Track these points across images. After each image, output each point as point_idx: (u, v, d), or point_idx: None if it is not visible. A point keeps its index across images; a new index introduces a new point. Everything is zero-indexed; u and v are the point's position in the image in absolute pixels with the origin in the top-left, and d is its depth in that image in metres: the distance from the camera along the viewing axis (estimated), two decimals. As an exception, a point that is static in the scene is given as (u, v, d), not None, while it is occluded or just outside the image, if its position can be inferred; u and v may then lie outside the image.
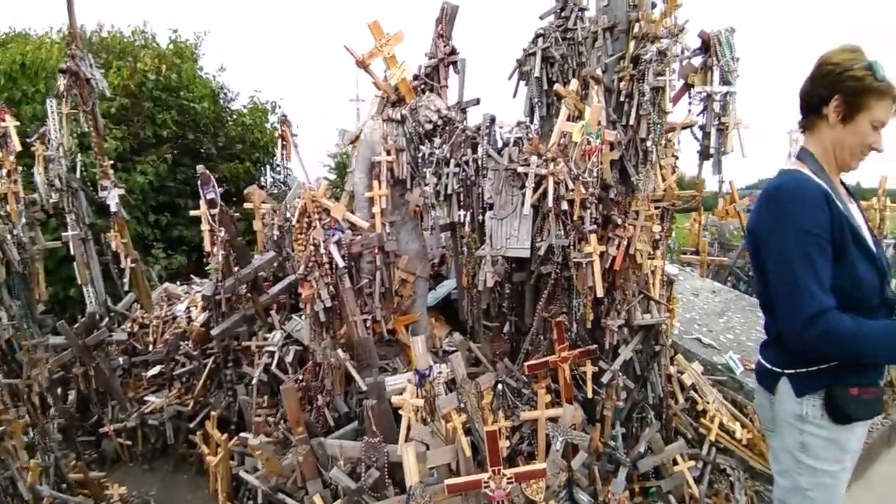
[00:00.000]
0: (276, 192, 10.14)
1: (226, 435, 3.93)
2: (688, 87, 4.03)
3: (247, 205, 5.29)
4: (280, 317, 4.71)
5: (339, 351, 3.68)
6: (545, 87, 4.61)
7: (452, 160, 4.00)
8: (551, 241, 3.19)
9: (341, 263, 3.54)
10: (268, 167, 11.90)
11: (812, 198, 1.92)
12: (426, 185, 4.03)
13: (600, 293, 3.21)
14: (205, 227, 4.26)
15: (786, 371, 2.03)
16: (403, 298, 4.26)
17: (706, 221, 9.33)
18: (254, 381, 4.20)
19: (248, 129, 11.42)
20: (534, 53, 4.70)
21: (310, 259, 3.55)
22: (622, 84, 3.70)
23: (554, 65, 4.67)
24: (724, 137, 3.81)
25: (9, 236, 4.87)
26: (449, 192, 3.93)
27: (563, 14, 4.68)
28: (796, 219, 1.90)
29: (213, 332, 4.40)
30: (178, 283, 6.81)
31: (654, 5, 3.78)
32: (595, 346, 3.41)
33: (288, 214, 4.91)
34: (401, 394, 3.10)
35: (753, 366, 3.19)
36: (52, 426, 4.02)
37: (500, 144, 3.81)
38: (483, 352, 3.98)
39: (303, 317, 4.28)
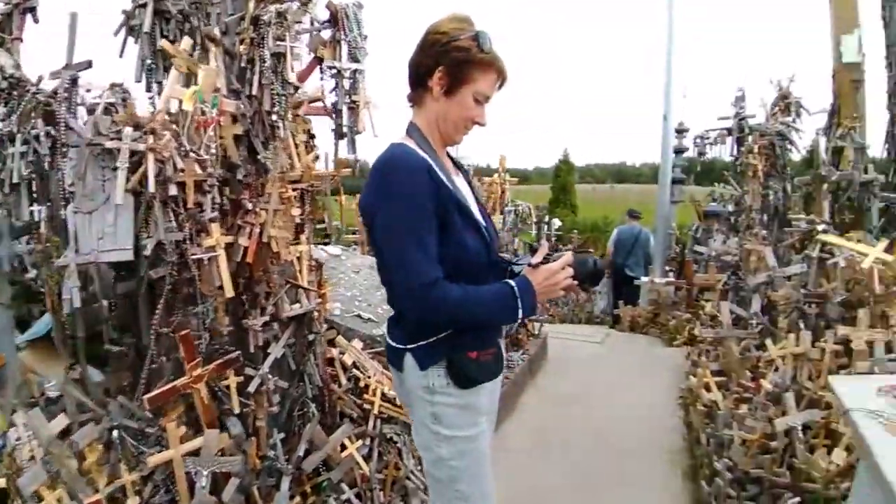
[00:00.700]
0: None
1: None
2: (318, 60, 3.74)
3: None
4: None
5: None
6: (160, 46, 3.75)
7: (19, 136, 2.88)
8: (160, 237, 2.50)
9: None
10: None
11: (416, 171, 1.82)
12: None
13: (230, 292, 2.68)
14: None
15: (408, 347, 1.94)
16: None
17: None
18: None
19: None
20: (144, 5, 3.78)
21: None
22: (242, 48, 3.17)
23: (171, 20, 3.83)
24: (356, 116, 3.63)
25: None
26: (16, 180, 2.82)
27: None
28: (401, 192, 1.80)
29: None
30: None
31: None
32: (237, 352, 2.88)
33: None
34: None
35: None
36: None
37: (85, 114, 2.87)
38: (102, 388, 3.04)
39: None
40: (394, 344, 2.02)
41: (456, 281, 1.83)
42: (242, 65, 3.17)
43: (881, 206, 5.67)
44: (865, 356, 3.82)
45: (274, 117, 2.95)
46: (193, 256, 2.53)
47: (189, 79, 3.13)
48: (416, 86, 1.99)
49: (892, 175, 6.19)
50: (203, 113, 2.72)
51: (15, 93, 3.09)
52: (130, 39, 3.91)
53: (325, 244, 6.69)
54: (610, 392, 5.49)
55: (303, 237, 3.48)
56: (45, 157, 2.76)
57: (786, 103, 6.17)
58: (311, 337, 3.48)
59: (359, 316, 5.19)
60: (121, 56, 3.92)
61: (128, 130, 2.54)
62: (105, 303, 2.76)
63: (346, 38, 3.88)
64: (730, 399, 4.27)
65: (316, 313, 3.49)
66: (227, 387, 2.83)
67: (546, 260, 1.93)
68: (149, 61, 3.82)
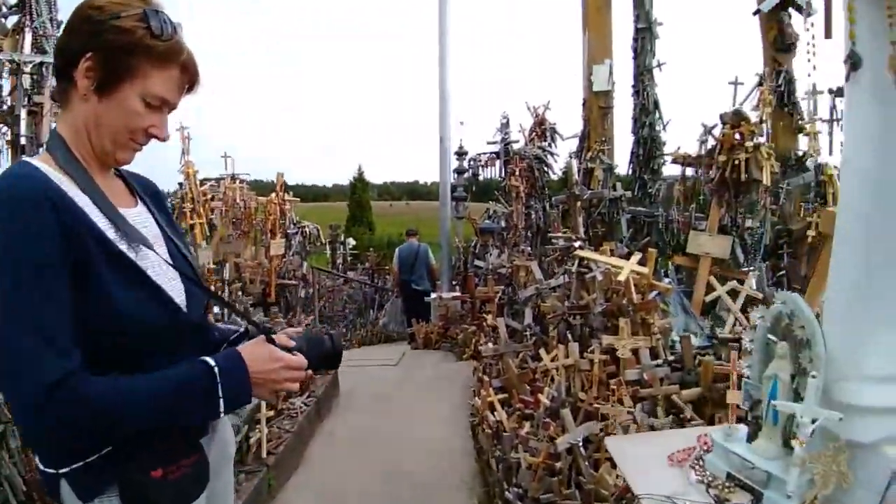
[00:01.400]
0: None
1: None
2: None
3: None
4: None
5: None
6: None
7: None
8: None
9: None
10: None
11: (26, 205, 1.13)
12: None
13: None
14: None
15: (61, 471, 1.22)
16: None
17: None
18: None
19: None
20: None
21: None
22: None
23: None
24: (39, 123, 2.66)
25: None
26: None
27: None
28: (2, 240, 1.11)
29: None
30: None
31: None
32: None
33: None
34: None
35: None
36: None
37: None
38: None
39: None
40: (41, 467, 1.27)
41: (117, 366, 1.18)
42: None
43: (628, 217, 6.30)
44: (633, 363, 4.00)
45: None
46: None
47: None
48: (60, 77, 1.28)
49: (636, 190, 6.98)
50: None
51: None
52: None
53: None
54: (407, 420, 5.11)
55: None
56: None
57: (542, 129, 6.58)
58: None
59: None
60: None
61: None
62: None
63: (32, 25, 2.88)
64: (513, 418, 4.16)
65: None
66: None
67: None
68: None
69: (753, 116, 4.62)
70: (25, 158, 1.28)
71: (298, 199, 8.85)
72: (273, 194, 7.96)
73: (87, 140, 1.28)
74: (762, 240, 4.90)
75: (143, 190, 1.49)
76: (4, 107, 2.67)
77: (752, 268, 4.82)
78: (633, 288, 4.23)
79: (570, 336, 4.54)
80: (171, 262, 1.34)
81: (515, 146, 7.31)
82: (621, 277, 4.14)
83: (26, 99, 2.68)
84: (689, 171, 5.71)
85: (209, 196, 7.51)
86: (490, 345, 5.28)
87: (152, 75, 1.26)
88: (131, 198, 1.42)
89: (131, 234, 1.29)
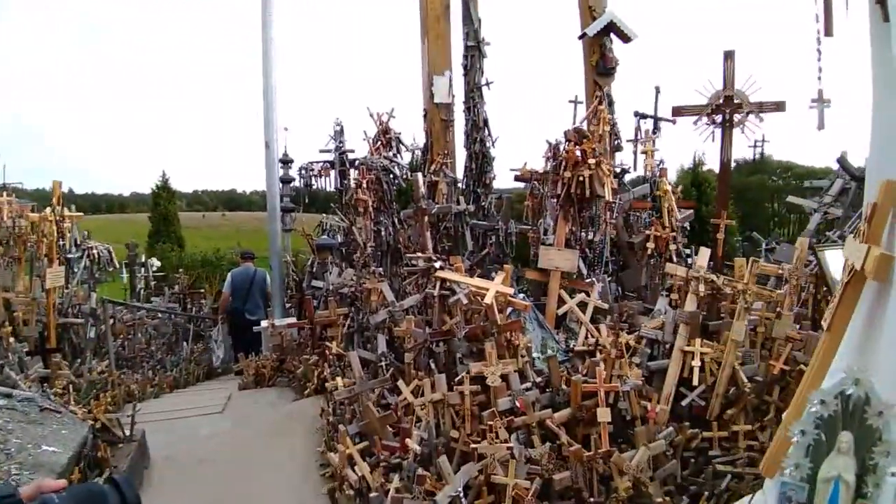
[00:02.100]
0: None
1: None
2: None
3: None
4: None
5: None
6: None
7: None
8: None
9: None
10: None
11: None
12: None
13: None
14: None
15: None
16: None
17: None
18: None
19: None
20: None
21: None
22: None
23: None
24: None
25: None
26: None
27: None
28: None
29: None
30: None
31: None
32: None
33: None
34: None
35: None
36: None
37: None
38: None
39: None
40: None
41: None
42: None
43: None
44: (503, 390, 3.65)
45: None
46: None
47: None
48: None
49: (469, 203, 6.81)
50: None
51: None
52: None
53: None
54: (243, 492, 4.10)
55: None
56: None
57: (387, 138, 6.09)
58: None
59: None
60: None
61: None
62: None
63: None
64: (378, 471, 3.54)
65: None
66: None
67: None
68: None
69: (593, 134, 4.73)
70: None
71: (82, 213, 7.05)
72: (48, 209, 6.17)
73: None
74: (603, 252, 5.04)
75: None
76: None
77: (596, 279, 4.90)
78: (496, 309, 3.92)
79: (433, 365, 4.08)
80: None
81: (352, 155, 6.68)
82: (487, 300, 3.79)
83: None
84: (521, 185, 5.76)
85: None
86: (340, 381, 4.58)
87: None
88: None
89: None
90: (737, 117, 4.88)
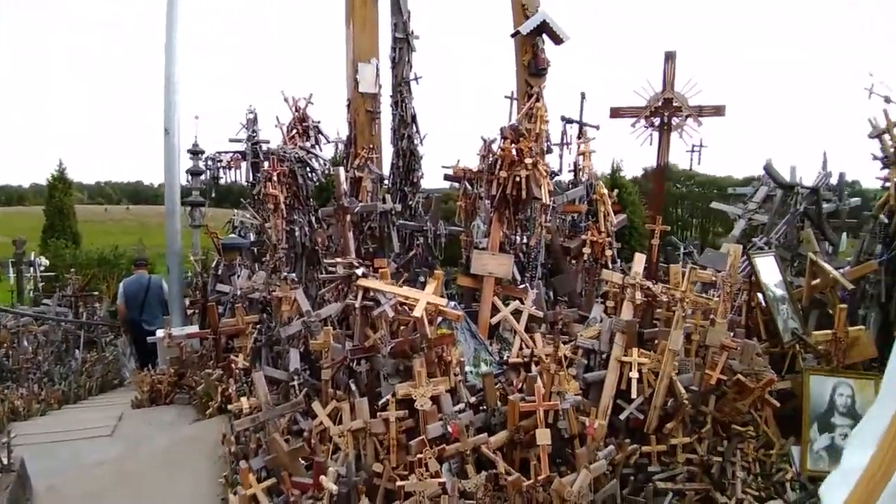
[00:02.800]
0: None
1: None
2: None
3: None
4: None
5: None
6: None
7: None
8: None
9: None
10: None
11: None
12: None
13: None
14: None
15: None
16: None
17: None
18: None
19: None
20: None
21: None
22: None
23: None
24: None
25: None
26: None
27: None
28: None
29: None
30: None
31: None
32: None
33: None
34: None
35: None
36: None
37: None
38: None
39: None
40: None
41: None
42: None
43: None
44: (433, 415, 3.16)
45: None
46: None
47: None
48: None
49: (396, 202, 6.26)
50: None
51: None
52: None
53: None
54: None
55: None
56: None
57: (304, 126, 5.40)
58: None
59: None
60: None
61: None
62: None
63: None
64: (289, 516, 2.94)
65: None
66: None
67: None
68: None
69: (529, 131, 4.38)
70: None
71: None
72: None
73: None
74: (538, 258, 4.71)
75: None
76: None
77: (530, 285, 4.55)
78: (426, 321, 3.43)
79: (354, 386, 3.53)
80: None
81: (267, 146, 5.91)
82: (417, 312, 3.29)
83: None
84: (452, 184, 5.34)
85: None
86: (245, 402, 3.90)
87: None
88: None
89: None
90: (675, 121, 4.73)
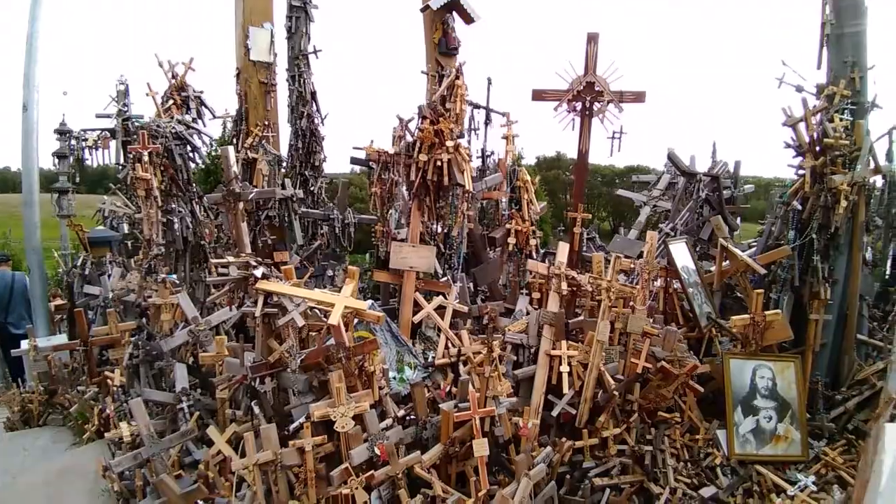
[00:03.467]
0: None
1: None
2: None
3: None
4: None
5: None
6: None
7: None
8: None
9: None
10: None
11: None
12: None
13: None
14: None
15: None
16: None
17: None
18: None
19: None
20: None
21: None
22: None
23: None
24: None
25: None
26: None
27: None
28: None
29: None
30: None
31: None
32: None
33: None
34: None
35: None
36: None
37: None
38: None
39: None
40: None
41: None
42: None
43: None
44: (357, 437, 2.68)
45: None
46: None
47: None
48: None
49: (297, 187, 5.58)
50: None
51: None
52: None
53: None
54: None
55: None
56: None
57: (183, 97, 4.50)
58: None
59: None
60: None
61: None
62: None
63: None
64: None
65: None
66: None
67: None
68: None
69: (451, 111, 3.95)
70: None
71: None
72: None
73: None
74: (461, 248, 4.34)
75: None
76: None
77: (453, 278, 4.17)
78: (343, 330, 2.92)
79: (258, 409, 2.94)
80: None
81: (138, 122, 4.92)
82: (333, 320, 2.77)
83: None
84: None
85: None
86: (125, 429, 3.14)
87: None
88: None
89: None
90: (597, 106, 4.54)
